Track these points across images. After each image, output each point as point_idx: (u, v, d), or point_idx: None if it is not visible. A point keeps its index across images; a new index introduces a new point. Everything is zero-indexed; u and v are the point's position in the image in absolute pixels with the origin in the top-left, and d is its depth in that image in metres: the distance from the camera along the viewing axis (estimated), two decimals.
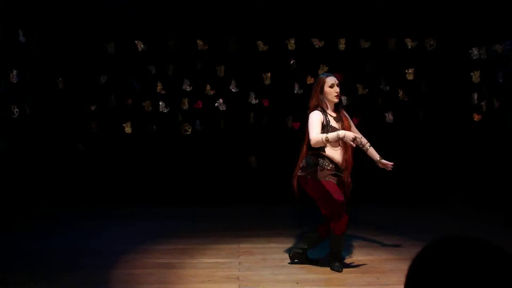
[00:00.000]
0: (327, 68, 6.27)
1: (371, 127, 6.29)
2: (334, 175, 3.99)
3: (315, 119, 3.90)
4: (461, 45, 6.34)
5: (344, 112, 4.16)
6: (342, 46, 6.31)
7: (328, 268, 4.15)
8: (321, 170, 3.95)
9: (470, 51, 6.34)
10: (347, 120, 4.10)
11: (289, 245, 4.78)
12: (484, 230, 4.98)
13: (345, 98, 6.29)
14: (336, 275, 4.01)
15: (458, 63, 6.36)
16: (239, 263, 4.30)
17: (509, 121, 6.20)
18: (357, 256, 4.48)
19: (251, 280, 3.88)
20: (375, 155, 4.20)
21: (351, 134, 3.80)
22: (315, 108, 3.97)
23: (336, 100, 3.99)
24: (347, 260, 4.36)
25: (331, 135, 3.79)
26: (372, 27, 6.26)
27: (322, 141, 3.79)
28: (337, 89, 3.97)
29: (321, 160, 3.97)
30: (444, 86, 6.38)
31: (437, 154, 6.45)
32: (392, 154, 6.39)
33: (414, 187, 6.48)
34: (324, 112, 3.97)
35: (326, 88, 3.96)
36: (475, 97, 6.38)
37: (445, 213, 6.00)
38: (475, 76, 6.35)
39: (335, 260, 4.13)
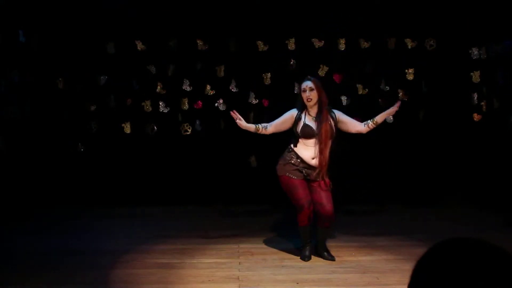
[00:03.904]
0: (327, 68, 6.27)
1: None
2: (298, 170, 4.24)
3: (285, 114, 4.34)
4: (461, 45, 6.34)
5: (334, 116, 4.29)
6: (342, 46, 6.31)
7: (328, 268, 4.17)
8: (283, 164, 4.29)
9: (470, 51, 6.34)
10: (328, 125, 4.21)
11: (289, 245, 4.79)
12: (484, 230, 4.98)
13: (345, 98, 6.29)
14: (336, 275, 4.01)
15: (458, 63, 6.36)
16: (239, 263, 4.30)
17: (509, 121, 6.21)
18: (357, 256, 4.48)
19: (251, 280, 3.89)
20: (382, 117, 4.36)
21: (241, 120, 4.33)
22: (297, 106, 4.32)
23: (307, 103, 4.25)
24: (348, 260, 4.37)
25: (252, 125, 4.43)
26: (372, 27, 6.25)
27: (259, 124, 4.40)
28: (308, 94, 4.22)
29: (287, 153, 4.31)
30: (444, 86, 6.38)
31: (437, 154, 6.45)
32: (392, 154, 6.44)
33: (414, 187, 6.48)
34: (302, 111, 4.28)
35: (301, 93, 4.29)
36: (475, 97, 6.38)
37: (445, 213, 6.00)
38: (475, 76, 6.35)
39: (304, 249, 4.39)
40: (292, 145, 4.30)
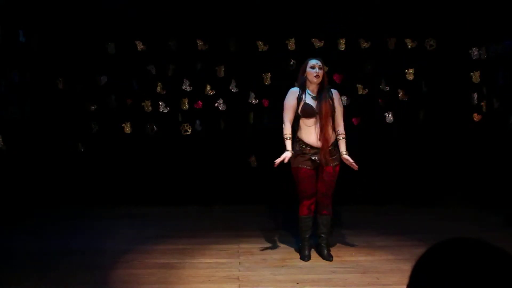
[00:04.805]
0: (327, 68, 6.23)
1: (371, 127, 6.30)
2: (310, 160, 4.20)
3: (287, 102, 4.26)
4: (461, 45, 6.34)
5: (332, 95, 4.27)
6: (342, 46, 6.32)
7: (328, 268, 4.17)
8: (295, 157, 4.24)
9: (470, 51, 6.34)
10: (328, 103, 4.19)
11: (289, 245, 4.79)
12: (484, 230, 4.99)
13: (345, 98, 6.29)
14: (336, 275, 4.01)
15: (458, 63, 6.36)
16: (239, 263, 4.30)
17: (509, 121, 6.22)
18: (357, 256, 4.48)
19: (251, 280, 3.89)
20: (341, 147, 4.28)
21: (284, 156, 4.09)
22: (297, 86, 4.33)
23: (315, 80, 4.22)
24: (348, 260, 4.37)
25: (287, 144, 4.17)
26: (372, 27, 6.26)
27: (284, 136, 4.20)
28: (317, 70, 4.20)
29: (295, 144, 4.26)
30: (444, 86, 6.38)
31: (437, 154, 6.45)
32: (392, 154, 6.44)
33: (414, 187, 6.48)
34: (302, 89, 4.26)
35: (308, 69, 4.25)
36: (475, 97, 6.38)
37: (445, 213, 6.00)
38: (475, 76, 6.35)
39: (304, 247, 4.41)
40: (297, 134, 4.25)
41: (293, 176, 4.32)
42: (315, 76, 4.19)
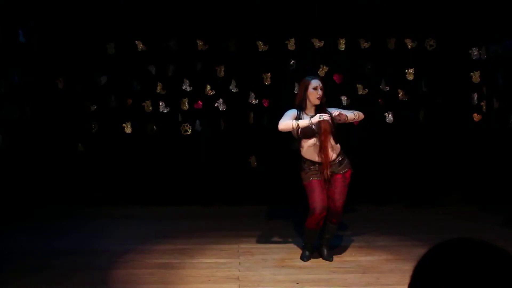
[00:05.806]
0: (327, 68, 6.27)
1: (371, 127, 6.30)
2: (319, 172, 4.22)
3: (287, 113, 4.23)
4: (461, 45, 6.34)
5: (330, 113, 4.21)
6: (342, 46, 6.31)
7: (328, 268, 4.18)
8: (305, 174, 4.29)
9: (470, 51, 6.34)
10: (326, 122, 4.12)
11: (289, 245, 4.79)
12: (484, 230, 4.99)
13: (345, 98, 6.29)
14: (336, 275, 4.01)
15: (458, 63, 6.36)
16: (239, 263, 4.30)
17: (509, 121, 6.22)
18: (357, 256, 4.49)
19: (251, 280, 3.89)
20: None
21: (317, 116, 4.03)
22: (295, 106, 4.30)
23: (317, 102, 4.23)
24: (348, 260, 4.37)
25: (302, 121, 4.08)
26: (372, 27, 6.25)
27: (293, 126, 4.08)
28: (319, 92, 4.21)
29: (302, 163, 4.31)
30: (444, 86, 6.38)
31: (437, 154, 6.44)
32: (392, 154, 6.44)
33: (414, 187, 6.48)
34: (300, 110, 4.25)
35: (310, 90, 4.23)
36: (475, 97, 6.38)
37: (445, 213, 5.99)
38: (475, 76, 6.35)
39: (305, 249, 4.43)
40: (301, 153, 4.30)
41: (306, 191, 4.29)
42: (317, 98, 4.20)
